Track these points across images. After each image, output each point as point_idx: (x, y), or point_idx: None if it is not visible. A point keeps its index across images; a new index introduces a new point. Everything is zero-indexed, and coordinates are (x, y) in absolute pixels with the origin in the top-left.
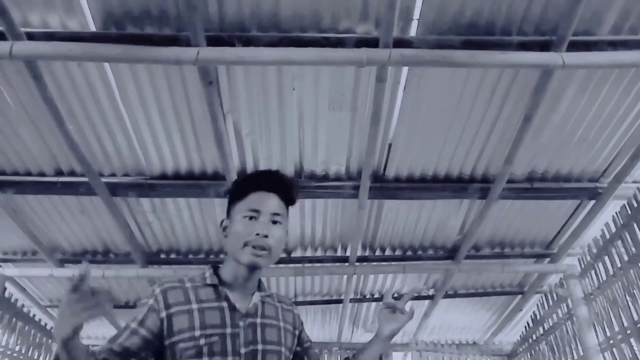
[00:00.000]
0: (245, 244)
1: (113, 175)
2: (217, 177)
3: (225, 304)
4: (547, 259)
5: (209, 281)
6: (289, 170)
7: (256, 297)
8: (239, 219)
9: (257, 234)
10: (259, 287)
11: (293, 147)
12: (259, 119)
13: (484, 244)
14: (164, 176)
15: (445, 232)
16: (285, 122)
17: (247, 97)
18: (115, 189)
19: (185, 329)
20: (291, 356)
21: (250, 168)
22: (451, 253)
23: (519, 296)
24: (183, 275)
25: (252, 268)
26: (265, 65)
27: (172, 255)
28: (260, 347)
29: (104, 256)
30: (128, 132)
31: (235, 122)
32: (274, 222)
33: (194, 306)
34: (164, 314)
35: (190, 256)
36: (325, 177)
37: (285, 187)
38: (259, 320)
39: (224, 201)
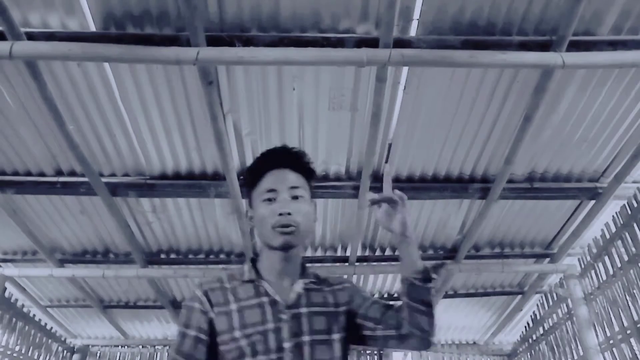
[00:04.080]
0: (272, 228)
1: (113, 175)
2: (217, 177)
3: (265, 299)
4: (547, 259)
5: (246, 277)
6: None
7: (298, 286)
8: (259, 204)
9: (280, 214)
10: (303, 273)
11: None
12: (259, 119)
13: (484, 244)
14: (164, 176)
15: (445, 232)
16: (285, 122)
17: (247, 97)
18: (115, 189)
19: (225, 330)
20: (348, 336)
21: None
22: (451, 253)
23: (519, 296)
24: (222, 273)
25: (286, 249)
26: (265, 65)
27: (172, 255)
28: (306, 338)
29: (104, 256)
30: (128, 132)
31: (235, 122)
32: (295, 197)
33: (233, 307)
34: (212, 315)
35: (191, 256)
36: (325, 177)
37: (296, 158)
38: (304, 310)
39: (224, 201)
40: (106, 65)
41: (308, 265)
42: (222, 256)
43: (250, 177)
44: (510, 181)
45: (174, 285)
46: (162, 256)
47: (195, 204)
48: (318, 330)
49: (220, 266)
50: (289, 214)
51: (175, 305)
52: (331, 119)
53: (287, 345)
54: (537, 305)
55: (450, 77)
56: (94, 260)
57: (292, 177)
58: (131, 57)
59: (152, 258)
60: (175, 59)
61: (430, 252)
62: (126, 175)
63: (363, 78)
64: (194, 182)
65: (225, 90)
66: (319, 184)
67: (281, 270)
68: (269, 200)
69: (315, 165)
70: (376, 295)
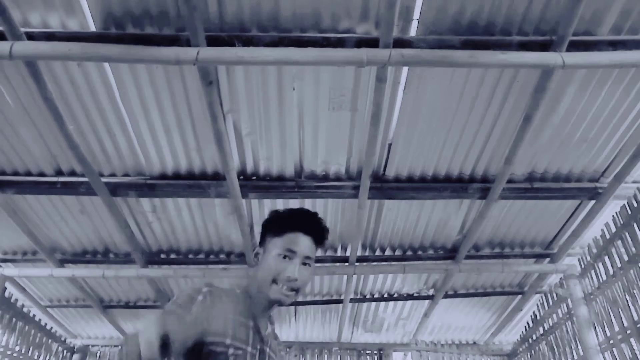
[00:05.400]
0: (274, 281)
1: (113, 175)
2: (217, 177)
3: (251, 324)
4: (547, 259)
5: (242, 301)
6: (288, 171)
7: (270, 328)
8: (273, 255)
9: (289, 277)
10: (270, 317)
11: (293, 147)
12: (259, 119)
13: (484, 244)
14: (163, 176)
15: (445, 232)
16: (285, 122)
17: (247, 97)
18: (115, 189)
19: (219, 333)
20: None
21: (250, 168)
22: (451, 253)
23: (519, 296)
24: (228, 283)
25: (278, 305)
26: (265, 65)
27: (172, 256)
28: None
29: (104, 256)
30: (128, 132)
31: (235, 122)
32: (304, 264)
33: (231, 316)
34: (206, 314)
35: (191, 256)
36: (325, 177)
37: (321, 231)
38: (267, 350)
39: (224, 201)
40: (106, 65)
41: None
42: (222, 256)
43: (277, 224)
44: (510, 181)
45: (174, 285)
46: (162, 256)
47: (195, 204)
48: None
49: (221, 266)
50: (296, 279)
51: None
52: (331, 119)
53: None
54: (537, 305)
55: (450, 77)
56: (94, 260)
57: (310, 247)
58: (131, 57)
59: (152, 258)
60: (175, 59)
61: (431, 252)
62: (126, 175)
63: (363, 78)
64: (194, 182)
65: (225, 90)
66: (319, 184)
67: (263, 311)
68: (285, 257)
69: (315, 168)
70: (376, 295)
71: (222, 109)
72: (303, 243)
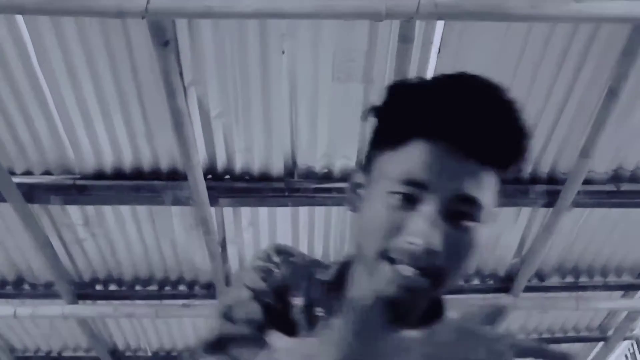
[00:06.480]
0: (384, 252)
1: (28, 173)
2: (175, 175)
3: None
4: None
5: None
6: (276, 168)
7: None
8: (381, 192)
9: (410, 242)
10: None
11: (282, 134)
12: (234, 95)
13: (550, 271)
14: (100, 175)
15: (496, 253)
16: (271, 99)
17: (218, 64)
18: (31, 193)
19: None
20: None
21: (222, 163)
22: (505, 283)
23: (601, 343)
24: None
25: (392, 305)
26: (244, 19)
27: (112, 287)
28: None
29: (15, 288)
30: (50, 114)
31: (200, 99)
32: (457, 218)
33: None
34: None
35: (138, 288)
36: (328, 177)
37: (507, 134)
38: None
39: (185, 210)
40: (19, 18)
41: None
42: (181, 288)
43: (391, 119)
44: (587, 182)
45: (115, 328)
46: (98, 288)
47: (144, 214)
48: None
49: (180, 302)
50: (435, 252)
51: (117, 356)
52: (336, 95)
53: None
54: (626, 356)
55: (503, 36)
56: (1, 294)
57: (472, 179)
58: (54, 7)
59: (84, 290)
60: (116, 10)
61: (476, 281)
62: (47, 173)
63: (381, 37)
64: (143, 183)
65: (187, 54)
66: (319, 186)
67: (372, 316)
68: (405, 198)
69: (314, 164)
70: None
71: (183, 80)
72: (450, 168)
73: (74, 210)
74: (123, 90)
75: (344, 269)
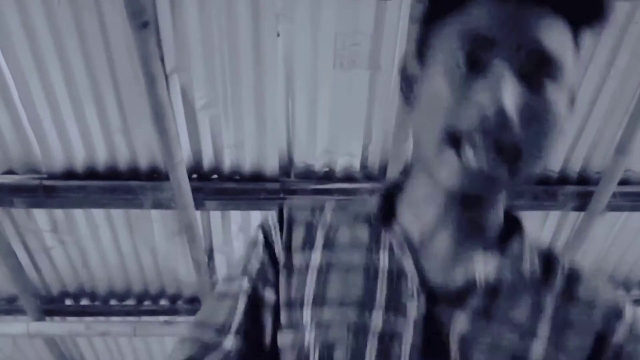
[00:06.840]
0: (448, 136)
1: None
2: (156, 175)
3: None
4: None
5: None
6: (270, 166)
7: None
8: (441, 65)
9: (478, 111)
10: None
11: (277, 128)
12: (223, 83)
13: None
14: (70, 174)
15: None
16: (265, 88)
17: (204, 48)
18: None
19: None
20: None
21: (208, 161)
22: None
23: None
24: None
25: (467, 199)
26: None
27: (84, 302)
28: None
29: None
30: (12, 104)
31: (184, 88)
32: (533, 79)
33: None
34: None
35: (113, 303)
36: (328, 176)
37: None
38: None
39: (167, 214)
40: None
41: None
42: (162, 302)
43: None
44: (624, 182)
45: (87, 348)
46: (68, 303)
47: (120, 219)
48: None
49: (161, 318)
50: (509, 121)
51: None
52: (338, 83)
53: None
54: None
55: None
56: None
57: (547, 32)
58: None
59: (52, 306)
60: None
61: None
62: (10, 172)
63: (389, 16)
64: (119, 184)
65: (169, 36)
66: (319, 187)
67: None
68: (469, 61)
69: (313, 162)
70: None
71: (164, 66)
72: (523, 22)
73: (40, 215)
74: (96, 79)
75: (390, 193)
